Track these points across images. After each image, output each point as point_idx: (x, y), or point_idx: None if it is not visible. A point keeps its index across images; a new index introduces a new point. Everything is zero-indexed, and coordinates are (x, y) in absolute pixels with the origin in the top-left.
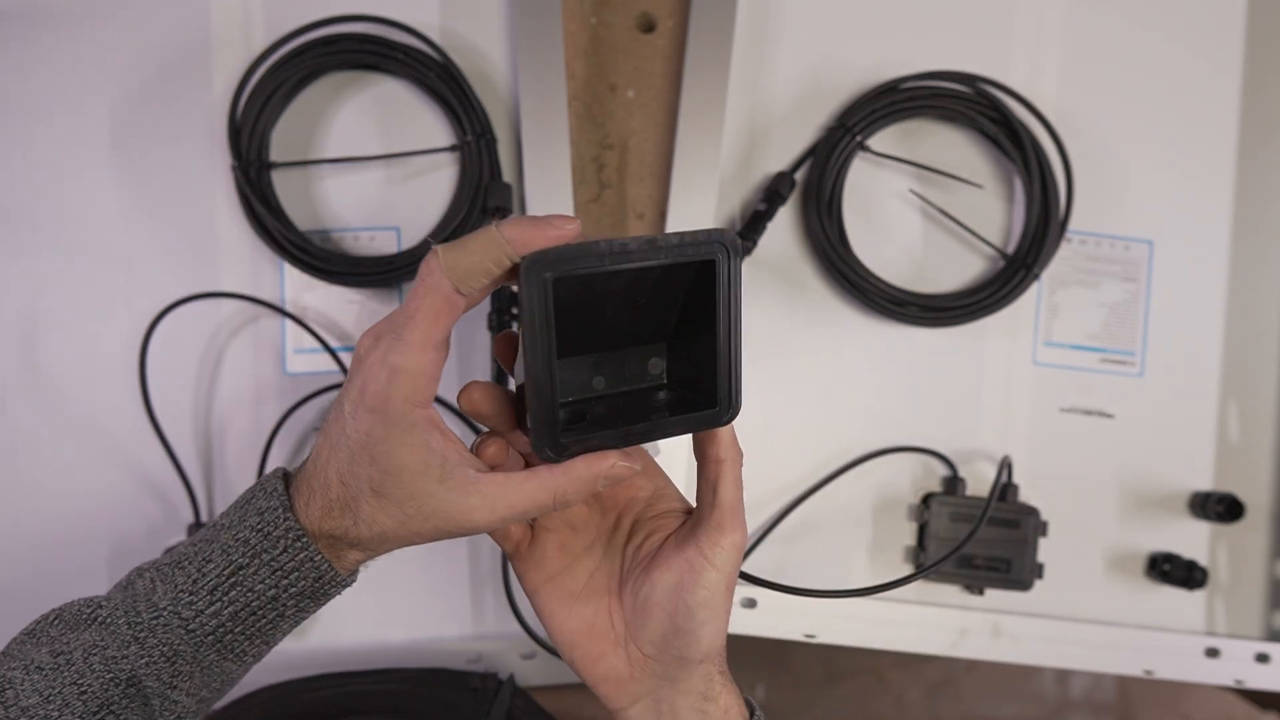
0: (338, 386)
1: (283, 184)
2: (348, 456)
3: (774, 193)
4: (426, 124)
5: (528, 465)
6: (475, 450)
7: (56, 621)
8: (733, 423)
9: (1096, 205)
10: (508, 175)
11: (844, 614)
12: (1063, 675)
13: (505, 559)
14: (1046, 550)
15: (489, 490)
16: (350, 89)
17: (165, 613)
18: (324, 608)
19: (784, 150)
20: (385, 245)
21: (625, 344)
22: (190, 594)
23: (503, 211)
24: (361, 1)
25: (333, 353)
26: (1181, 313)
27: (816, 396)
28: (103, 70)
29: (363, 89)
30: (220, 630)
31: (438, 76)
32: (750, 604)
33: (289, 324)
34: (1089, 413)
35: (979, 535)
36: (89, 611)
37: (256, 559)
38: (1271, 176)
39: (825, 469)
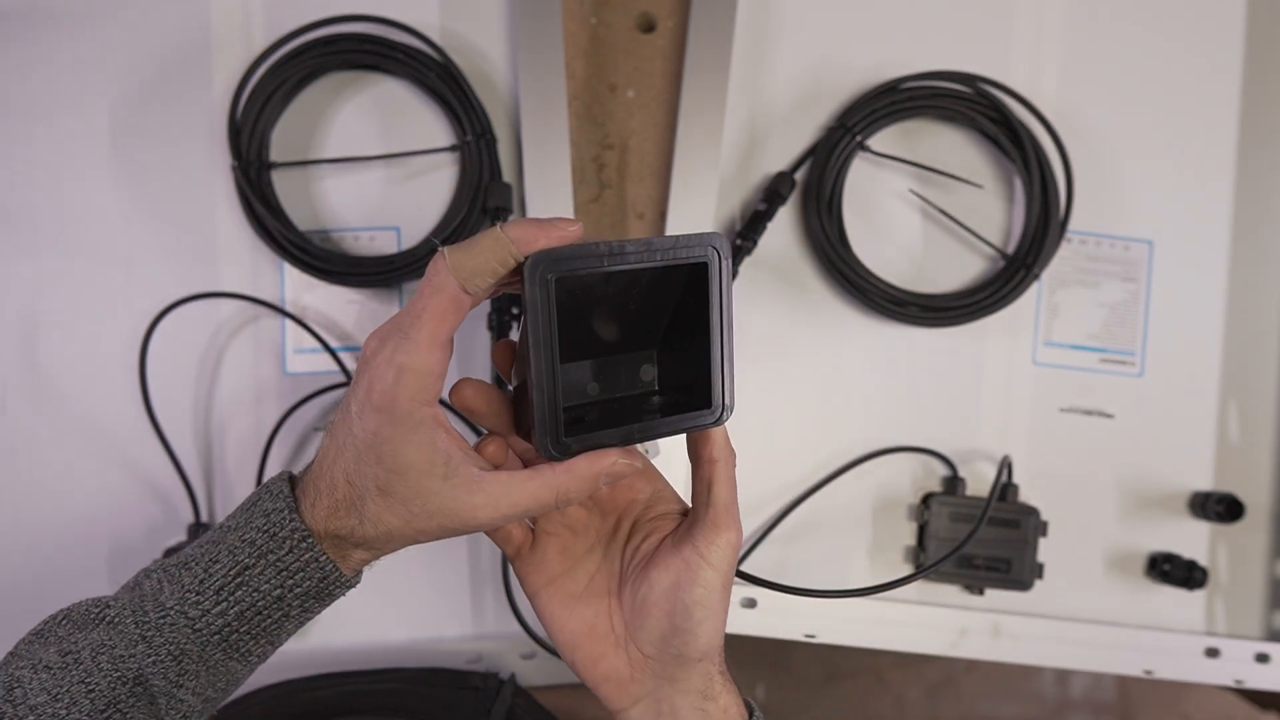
0: (338, 386)
1: (283, 184)
2: (354, 456)
3: (774, 193)
4: (426, 124)
5: (526, 467)
6: (477, 450)
7: (64, 621)
8: (726, 423)
9: (1096, 205)
10: (508, 175)
11: (844, 614)
12: (1063, 675)
13: (506, 559)
14: (1046, 550)
15: (492, 488)
16: (350, 89)
17: (172, 612)
18: (325, 608)
19: (784, 150)
20: (385, 245)
21: (617, 351)
22: (197, 594)
23: (503, 211)
24: (361, 1)
25: (333, 353)
26: (1181, 313)
27: (816, 396)
28: (103, 70)
29: (363, 89)
30: (226, 630)
31: (438, 76)
32: (750, 604)
33: (289, 324)
34: (1089, 413)
35: (979, 535)
36: (97, 611)
37: (262, 559)
38: (1271, 176)
39: (825, 469)
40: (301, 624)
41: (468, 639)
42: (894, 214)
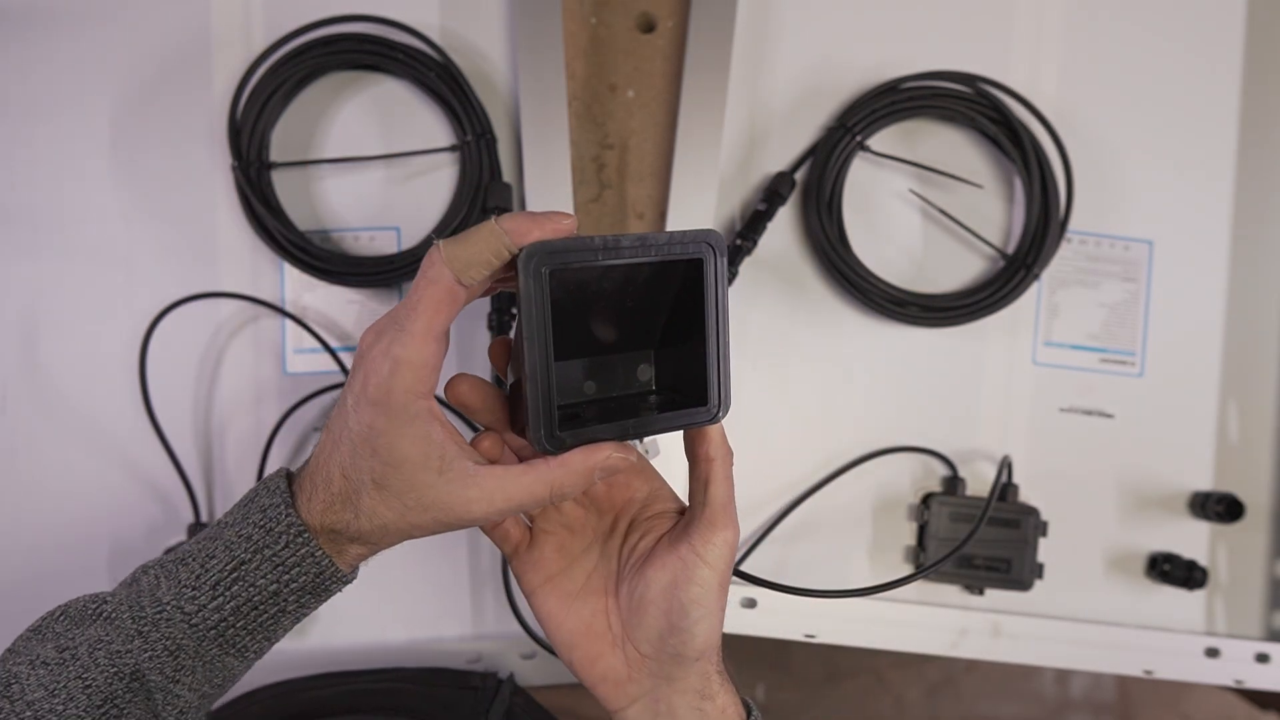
0: (338, 386)
1: (283, 184)
2: (350, 450)
3: (774, 193)
4: (426, 124)
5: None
6: (472, 445)
7: (62, 617)
8: (723, 422)
9: (1096, 205)
10: (508, 175)
11: (844, 614)
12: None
13: (505, 559)
14: (1046, 550)
15: (487, 482)
16: (350, 89)
17: (169, 607)
18: (324, 607)
19: (784, 150)
20: (385, 245)
21: (614, 350)
22: (193, 589)
23: (502, 211)
24: (361, 1)
25: (333, 353)
26: (1181, 313)
27: (816, 396)
28: (103, 70)
29: (363, 89)
30: (223, 625)
31: (438, 76)
32: (750, 604)
33: (289, 324)
34: (1089, 413)
35: (979, 535)
36: (94, 607)
37: (258, 554)
38: (1271, 176)
39: (825, 469)
40: (298, 619)
41: (467, 639)
42: (894, 214)
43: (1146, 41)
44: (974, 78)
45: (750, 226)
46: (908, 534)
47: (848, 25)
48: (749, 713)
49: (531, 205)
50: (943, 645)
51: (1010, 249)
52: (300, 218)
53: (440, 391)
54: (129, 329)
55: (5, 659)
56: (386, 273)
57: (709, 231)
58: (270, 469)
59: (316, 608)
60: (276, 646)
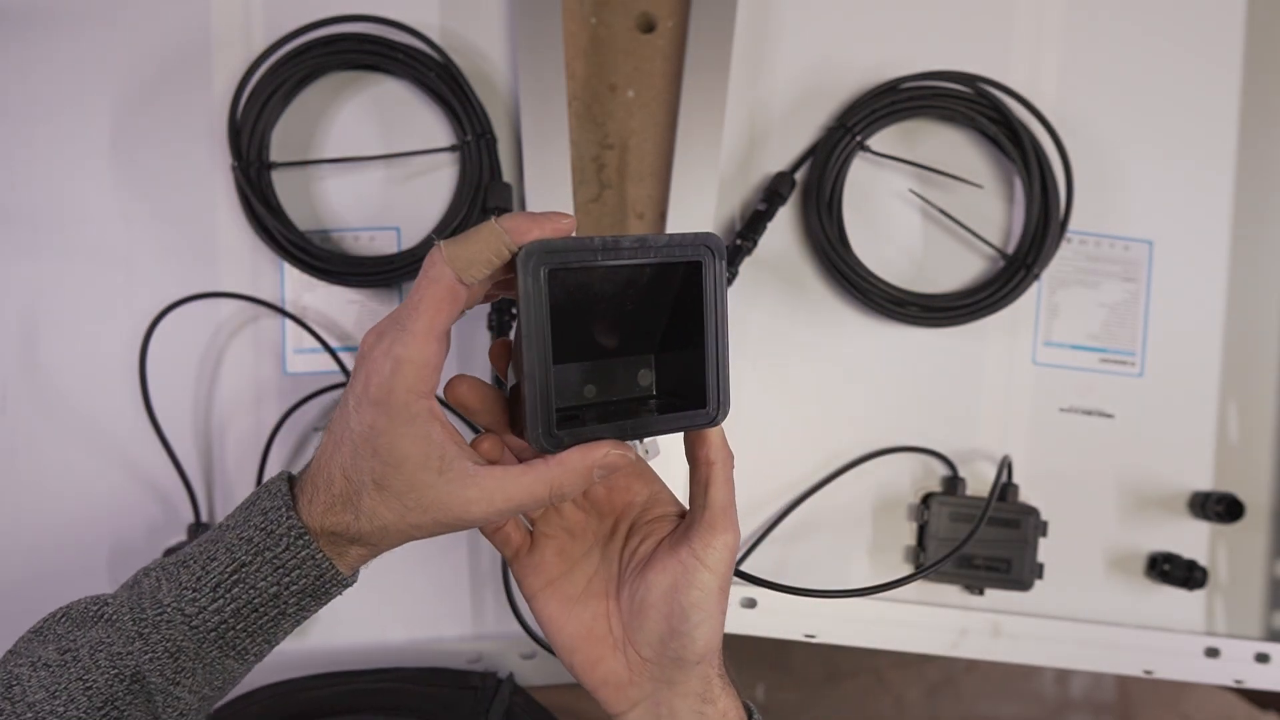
0: (338, 386)
1: (283, 184)
2: (351, 450)
3: (774, 193)
4: (426, 124)
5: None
6: (473, 446)
7: (64, 619)
8: (723, 425)
9: (1096, 205)
10: (508, 175)
11: (844, 614)
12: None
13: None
14: (1046, 550)
15: (487, 483)
16: (350, 89)
17: (169, 609)
18: (324, 608)
19: (784, 150)
20: (385, 245)
21: (615, 354)
22: (194, 591)
23: (503, 211)
24: (361, 1)
25: (333, 353)
26: (1181, 313)
27: (816, 396)
28: (103, 70)
29: (363, 89)
30: (223, 627)
31: (438, 76)
32: (750, 604)
33: (289, 324)
34: (1089, 413)
35: (979, 535)
36: (95, 609)
37: (259, 556)
38: (1271, 176)
39: (825, 469)
40: (298, 622)
41: (468, 639)
42: (894, 214)
43: (1146, 41)
44: (974, 78)
45: (750, 226)
46: (908, 534)
47: (848, 25)
48: (750, 715)
49: (531, 205)
50: (943, 645)
51: (1010, 249)
52: (300, 218)
53: (440, 393)
54: (129, 329)
55: (6, 660)
56: (386, 273)
57: (708, 235)
58: (270, 469)
59: (316, 610)
60: (277, 647)
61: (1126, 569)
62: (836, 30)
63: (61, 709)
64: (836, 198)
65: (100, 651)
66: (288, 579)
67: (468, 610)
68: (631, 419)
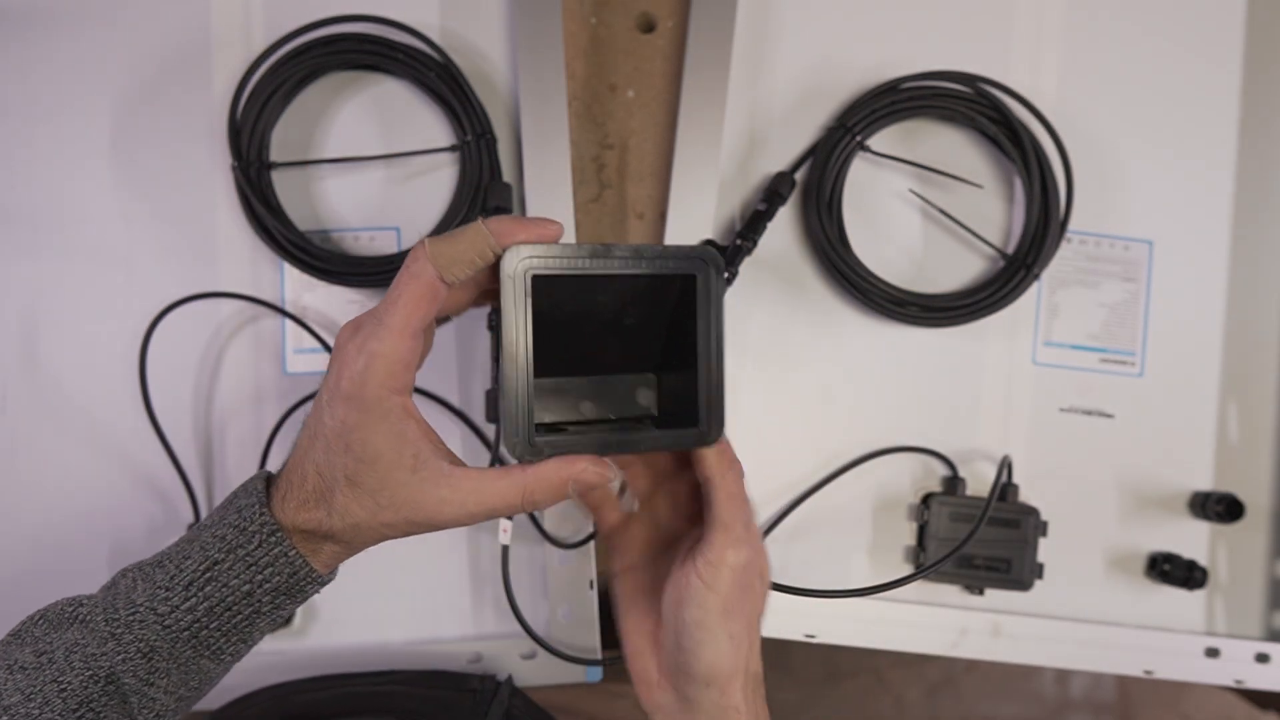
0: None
1: (283, 184)
2: (324, 446)
3: (774, 193)
4: (426, 124)
5: None
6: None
7: (41, 621)
8: (719, 441)
9: (1096, 205)
10: (508, 175)
11: (844, 614)
12: (1063, 675)
13: (504, 559)
14: (1046, 550)
15: (462, 483)
16: (350, 89)
17: (142, 609)
18: (324, 606)
19: (784, 150)
20: (385, 245)
21: (615, 371)
22: (167, 590)
23: (502, 211)
24: (361, 1)
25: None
26: (1181, 313)
27: (816, 396)
28: (103, 70)
29: (363, 89)
30: (195, 626)
31: (438, 76)
32: None
33: (289, 324)
34: (1089, 413)
35: (979, 535)
36: (70, 610)
37: (231, 554)
38: (1271, 176)
39: (825, 469)
40: (274, 621)
41: (468, 639)
42: (894, 214)
43: (1146, 42)
44: (974, 78)
45: (750, 226)
46: (908, 534)
47: (848, 25)
48: None
49: (531, 205)
50: (943, 645)
51: (1010, 249)
52: (300, 218)
53: (447, 396)
54: (129, 329)
55: None
56: (386, 273)
57: (704, 248)
58: (270, 469)
59: (292, 610)
60: (276, 647)
61: (1126, 569)
62: (836, 30)
63: (37, 712)
64: (836, 198)
65: (75, 653)
66: (260, 576)
67: (468, 610)
68: (618, 434)
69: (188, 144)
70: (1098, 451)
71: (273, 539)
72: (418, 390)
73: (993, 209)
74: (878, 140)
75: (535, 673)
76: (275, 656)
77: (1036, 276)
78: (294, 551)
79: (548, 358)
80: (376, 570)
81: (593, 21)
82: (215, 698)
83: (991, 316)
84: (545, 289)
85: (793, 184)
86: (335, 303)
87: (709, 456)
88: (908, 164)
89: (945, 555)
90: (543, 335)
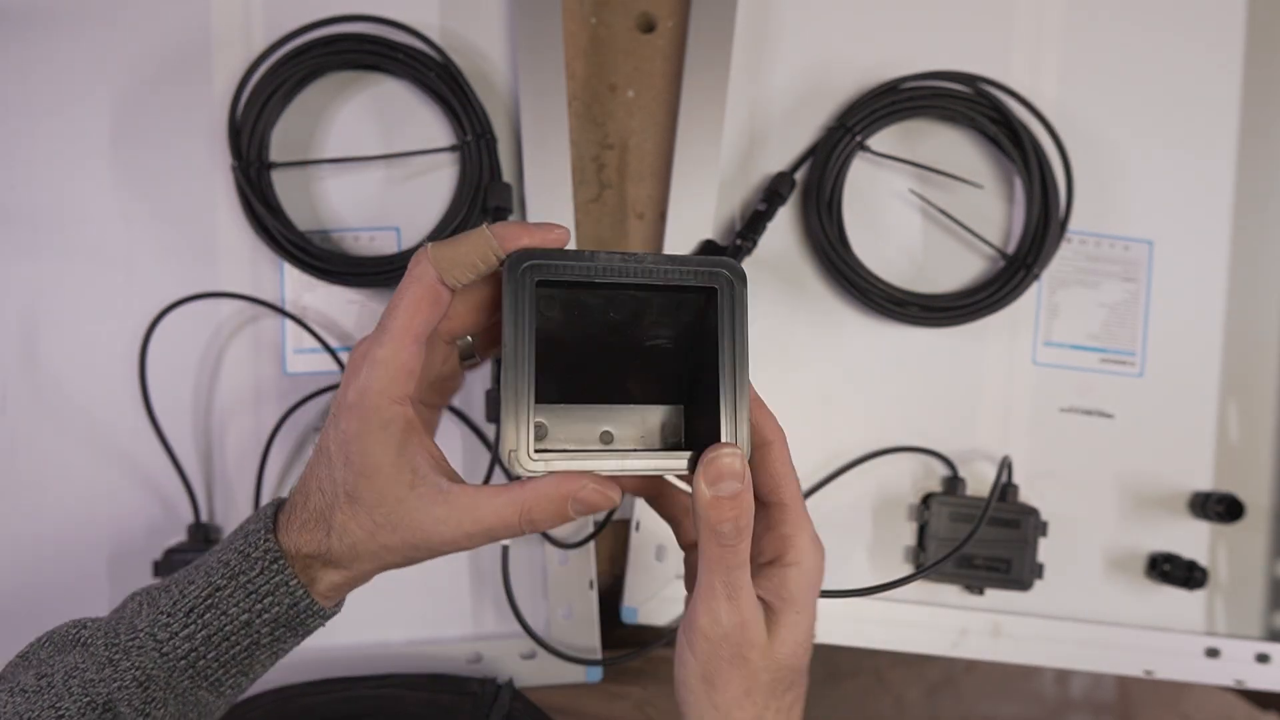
0: (337, 387)
1: (283, 184)
2: (327, 461)
3: (774, 193)
4: (426, 124)
5: None
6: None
7: (47, 643)
8: (726, 486)
9: (1096, 205)
10: (508, 175)
11: (844, 614)
12: (1063, 675)
13: (504, 559)
14: (1046, 550)
15: (459, 501)
16: (350, 89)
17: (142, 634)
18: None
19: (784, 150)
20: (385, 245)
21: (639, 401)
22: (169, 615)
23: (503, 211)
24: (362, 1)
25: (333, 353)
26: (1181, 313)
27: (816, 396)
28: (103, 70)
29: (363, 89)
30: (193, 655)
31: (438, 76)
32: None
33: (289, 324)
34: (1089, 413)
35: (979, 535)
36: (74, 633)
37: (233, 581)
38: (1272, 176)
39: (825, 469)
40: (275, 655)
41: (467, 639)
42: (894, 214)
43: (1146, 41)
44: (974, 78)
45: (750, 226)
46: (908, 534)
47: (848, 25)
48: None
49: (531, 205)
50: (943, 645)
51: (1010, 249)
52: (300, 218)
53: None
54: (129, 329)
55: None
56: (386, 273)
57: (725, 258)
58: (270, 469)
59: (293, 644)
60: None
61: (1126, 569)
62: (836, 30)
63: None
64: (836, 198)
65: (74, 678)
66: (259, 606)
67: (468, 610)
68: (617, 452)
69: (188, 144)
70: (1098, 451)
71: (274, 566)
72: None
73: (993, 209)
74: (878, 140)
75: (535, 673)
76: None
77: (1036, 276)
78: (295, 581)
79: (564, 381)
80: None
81: (593, 21)
82: None
83: (991, 316)
84: (554, 303)
85: (793, 184)
86: (335, 303)
87: (698, 500)
88: (908, 164)
89: (945, 555)
90: (557, 355)
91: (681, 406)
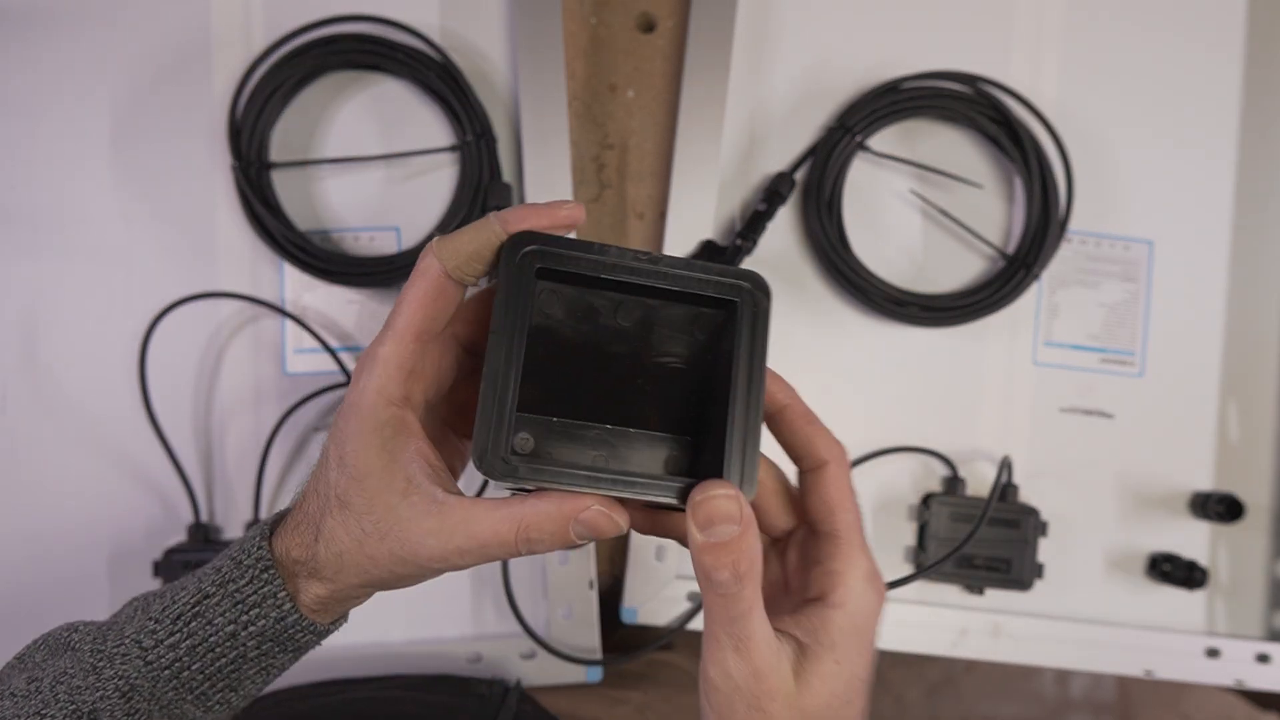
0: (338, 386)
1: (283, 184)
2: (324, 464)
3: (774, 193)
4: (426, 124)
5: None
6: None
7: (42, 646)
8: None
9: (1096, 205)
10: (508, 175)
11: None
12: (1063, 675)
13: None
14: (1046, 550)
15: (452, 513)
16: (350, 89)
17: (128, 641)
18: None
19: (784, 150)
20: (385, 245)
21: (646, 426)
22: (155, 622)
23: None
24: (362, 1)
25: (333, 353)
26: (1181, 313)
27: (816, 397)
28: (103, 70)
29: (363, 89)
30: (177, 665)
31: (438, 76)
32: None
33: (289, 324)
34: (1089, 413)
35: (979, 535)
36: (66, 636)
37: (222, 589)
38: (1272, 176)
39: None
40: (264, 672)
41: (468, 639)
42: (894, 214)
43: (1146, 41)
44: (974, 78)
45: (750, 226)
46: (908, 534)
47: (848, 25)
48: None
49: None
50: (943, 645)
51: (1010, 249)
52: (300, 218)
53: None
54: (129, 329)
55: None
56: (386, 273)
57: (751, 271)
58: (270, 469)
59: (286, 662)
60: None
61: (1126, 569)
62: (836, 30)
63: None
64: (836, 198)
65: (61, 684)
66: (245, 617)
67: (468, 610)
68: (609, 473)
69: (188, 144)
70: (1098, 451)
71: (264, 575)
72: None
73: (993, 209)
74: (878, 140)
75: (535, 673)
76: None
77: (1036, 276)
78: (283, 593)
79: (558, 391)
80: None
81: (593, 21)
82: None
83: (991, 316)
84: (557, 300)
85: (793, 184)
86: (335, 303)
87: (690, 545)
88: (908, 164)
89: (945, 555)
90: (554, 361)
91: (689, 439)
